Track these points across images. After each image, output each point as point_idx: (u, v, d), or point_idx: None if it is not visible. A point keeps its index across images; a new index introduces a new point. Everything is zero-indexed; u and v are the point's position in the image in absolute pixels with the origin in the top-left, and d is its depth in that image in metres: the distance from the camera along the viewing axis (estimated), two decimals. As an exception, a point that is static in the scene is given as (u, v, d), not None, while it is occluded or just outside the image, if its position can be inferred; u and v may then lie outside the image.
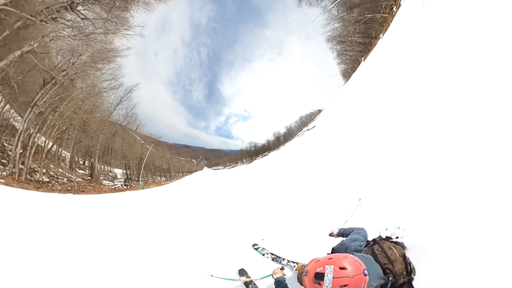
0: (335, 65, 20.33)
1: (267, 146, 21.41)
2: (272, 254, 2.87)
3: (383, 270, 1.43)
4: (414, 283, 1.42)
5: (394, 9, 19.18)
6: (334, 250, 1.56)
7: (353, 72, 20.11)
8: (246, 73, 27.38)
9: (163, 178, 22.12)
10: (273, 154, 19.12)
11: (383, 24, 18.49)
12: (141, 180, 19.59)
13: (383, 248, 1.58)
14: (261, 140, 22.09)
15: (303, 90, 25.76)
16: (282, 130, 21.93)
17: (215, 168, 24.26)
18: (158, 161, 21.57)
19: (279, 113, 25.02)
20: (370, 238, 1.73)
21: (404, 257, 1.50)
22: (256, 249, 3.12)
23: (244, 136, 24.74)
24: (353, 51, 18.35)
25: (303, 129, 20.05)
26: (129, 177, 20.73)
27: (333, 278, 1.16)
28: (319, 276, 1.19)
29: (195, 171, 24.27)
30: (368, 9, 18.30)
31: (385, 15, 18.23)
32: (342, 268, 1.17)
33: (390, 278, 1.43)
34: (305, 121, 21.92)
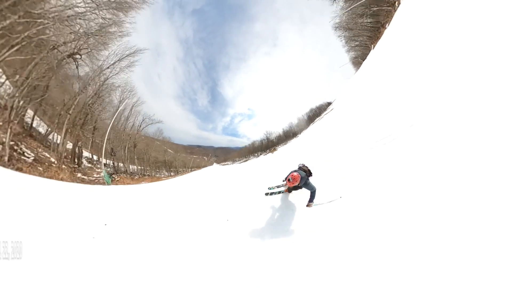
0: (342, 51, 21.04)
1: (283, 136, 21.15)
2: (277, 186, 6.04)
3: (304, 172, 4.85)
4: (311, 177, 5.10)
5: (396, 4, 20.99)
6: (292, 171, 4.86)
7: (363, 60, 21.15)
8: (243, 72, 27.56)
9: (166, 173, 20.05)
10: (294, 141, 18.84)
11: (388, 15, 20.10)
12: (105, 170, 15.08)
13: (302, 168, 5.08)
14: (276, 130, 22.27)
15: (308, 80, 26.00)
16: (294, 122, 22.09)
17: (223, 163, 23.32)
18: (156, 152, 19.52)
19: (284, 107, 25.11)
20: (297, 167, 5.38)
21: (307, 168, 5.17)
22: (270, 188, 6.11)
23: (250, 133, 25.00)
24: (362, 36, 19.28)
25: (322, 114, 20.15)
26: (116, 168, 17.98)
27: (291, 177, 4.32)
28: (289, 179, 4.39)
29: (204, 166, 23.54)
30: (374, 1, 19.78)
31: (389, 7, 19.91)
32: (292, 174, 4.38)
33: (306, 174, 4.82)
34: (316, 113, 22.16)
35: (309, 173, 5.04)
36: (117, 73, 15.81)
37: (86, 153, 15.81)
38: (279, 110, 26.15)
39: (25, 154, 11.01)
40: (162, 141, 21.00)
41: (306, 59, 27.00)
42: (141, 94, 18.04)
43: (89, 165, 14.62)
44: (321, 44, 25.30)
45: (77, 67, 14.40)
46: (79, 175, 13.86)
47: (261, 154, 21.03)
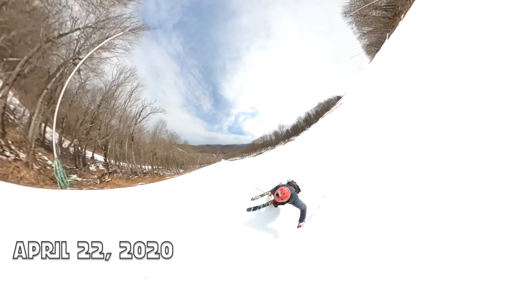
0: (351, 33, 19.48)
1: (294, 130, 20.85)
2: (261, 195, 5.39)
3: (294, 188, 4.73)
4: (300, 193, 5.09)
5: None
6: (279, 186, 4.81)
7: (377, 50, 20.21)
8: (240, 71, 27.12)
9: (175, 170, 20.17)
10: (306, 133, 18.61)
11: (404, 6, 19.02)
12: (57, 160, 10.27)
13: (291, 184, 5.09)
14: (287, 123, 22.28)
15: (312, 71, 24.61)
16: (303, 116, 21.57)
17: (231, 159, 23.71)
18: (158, 147, 19.41)
19: (288, 102, 24.36)
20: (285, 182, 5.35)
21: (296, 183, 5.20)
22: (253, 199, 5.46)
23: (254, 131, 25.55)
24: (377, 22, 18.17)
25: (332, 108, 19.64)
26: (110, 167, 15.16)
27: (281, 192, 4.29)
28: (277, 194, 4.34)
29: (213, 162, 24.13)
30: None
31: (406, -6, 18.77)
32: (282, 189, 4.33)
33: (296, 190, 4.82)
34: (325, 106, 21.51)
35: (297, 189, 5.04)
36: (116, 35, 13.80)
37: (100, 157, 15.15)
38: (282, 105, 25.61)
39: (5, 153, 9.53)
40: (175, 143, 21.80)
41: (307, 46, 25.16)
42: (142, 79, 17.98)
43: (102, 168, 14.01)
44: (323, 25, 23.41)
45: (79, 72, 13.36)
46: (74, 176, 12.46)
47: (278, 145, 20.91)
